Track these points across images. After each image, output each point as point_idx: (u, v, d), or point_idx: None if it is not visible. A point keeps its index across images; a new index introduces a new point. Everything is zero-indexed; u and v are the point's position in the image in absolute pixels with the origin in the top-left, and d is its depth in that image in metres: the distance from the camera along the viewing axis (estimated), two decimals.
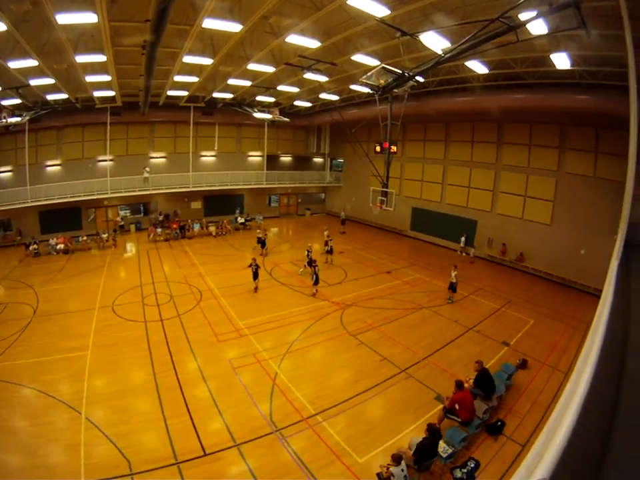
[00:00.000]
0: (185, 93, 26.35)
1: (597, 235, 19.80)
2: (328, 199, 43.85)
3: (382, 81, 15.19)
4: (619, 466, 2.61)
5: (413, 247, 30.75)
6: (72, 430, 9.46)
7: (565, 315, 18.01)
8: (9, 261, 23.45)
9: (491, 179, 26.65)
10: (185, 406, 10.61)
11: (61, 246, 25.56)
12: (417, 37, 12.99)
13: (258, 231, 28.70)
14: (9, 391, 10.95)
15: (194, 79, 21.50)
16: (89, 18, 11.37)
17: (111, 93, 23.57)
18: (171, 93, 25.47)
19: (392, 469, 7.72)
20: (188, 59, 17.07)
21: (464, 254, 27.63)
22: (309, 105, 32.45)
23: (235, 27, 13.34)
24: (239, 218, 34.56)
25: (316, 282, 19.20)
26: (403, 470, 7.77)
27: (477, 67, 18.05)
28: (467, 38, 10.98)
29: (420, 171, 31.98)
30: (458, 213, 29.10)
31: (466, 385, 10.47)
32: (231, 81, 22.31)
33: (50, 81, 18.41)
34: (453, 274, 18.72)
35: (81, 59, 15.63)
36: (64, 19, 11.36)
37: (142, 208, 33.33)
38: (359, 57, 17.39)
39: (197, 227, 31.56)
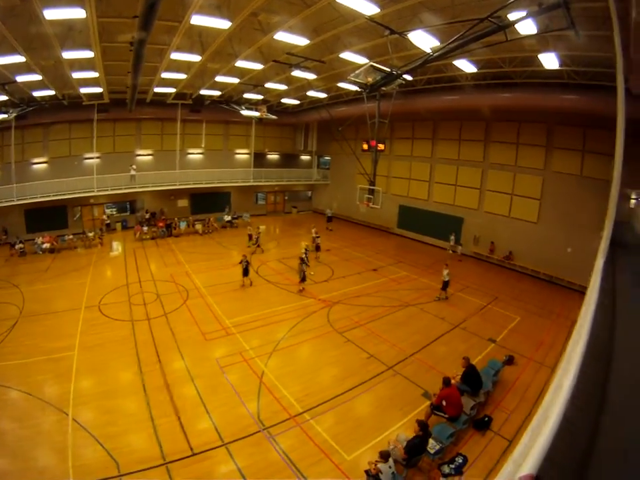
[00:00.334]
0: (172, 90, 26.10)
1: (583, 233, 19.98)
2: (315, 196, 43.91)
3: (370, 79, 15.21)
4: (606, 460, 2.63)
5: (400, 244, 30.89)
6: (59, 432, 9.34)
7: (552, 312, 18.23)
8: None
9: (478, 177, 26.84)
10: (173, 405, 10.54)
11: (47, 245, 25.21)
12: (406, 35, 13.00)
13: (249, 228, 28.69)
14: None
15: (182, 76, 21.31)
16: (77, 13, 11.19)
17: (98, 90, 23.24)
18: (158, 90, 25.21)
19: (379, 465, 7.74)
20: (176, 56, 16.89)
21: (452, 252, 27.72)
22: (296, 102, 32.36)
23: (223, 24, 13.25)
24: (226, 216, 34.42)
25: (303, 279, 19.24)
26: (390, 467, 7.80)
27: (466, 65, 18.08)
28: (456, 37, 11.03)
29: (407, 169, 32.11)
30: (445, 210, 29.25)
31: (453, 382, 10.53)
32: (219, 78, 22.16)
33: (37, 77, 18.08)
34: (445, 272, 18.75)
35: (68, 55, 15.37)
36: (52, 14, 11.18)
37: (128, 206, 32.94)
38: (347, 55, 17.31)
39: (183, 225, 31.38)
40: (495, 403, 11.23)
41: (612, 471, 2.55)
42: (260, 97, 28.88)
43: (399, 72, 14.39)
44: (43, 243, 25.15)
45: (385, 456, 7.86)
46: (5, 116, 21.99)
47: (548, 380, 12.07)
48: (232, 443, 9.28)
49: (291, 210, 41.74)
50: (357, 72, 14.78)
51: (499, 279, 23.09)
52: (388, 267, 24.29)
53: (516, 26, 10.48)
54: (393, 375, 12.49)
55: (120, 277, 20.56)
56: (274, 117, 28.74)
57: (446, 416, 9.90)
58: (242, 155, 37.80)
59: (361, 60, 17.41)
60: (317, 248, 24.29)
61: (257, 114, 27.41)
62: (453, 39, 11.20)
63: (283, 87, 25.60)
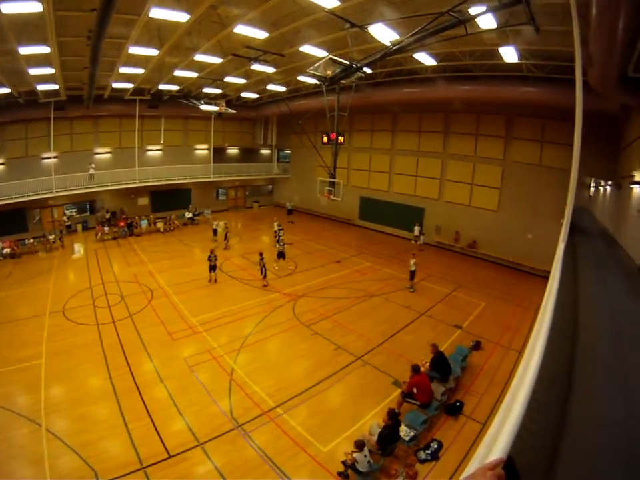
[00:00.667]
0: (130, 86, 25.33)
1: (543, 220, 20.82)
2: (276, 190, 43.83)
3: (329, 72, 15.16)
4: (578, 436, 2.73)
5: (362, 235, 31.22)
6: (34, 443, 9.02)
7: (515, 297, 18.87)
8: None
9: (438, 167, 27.37)
10: (145, 408, 10.36)
11: (7, 250, 24.07)
12: (366, 28, 13.00)
13: (215, 223, 28.49)
14: None
15: (140, 71, 20.70)
16: (33, 7, 10.70)
17: (55, 87, 22.31)
18: (116, 85, 24.38)
19: (355, 455, 7.85)
20: (134, 50, 16.35)
21: (414, 242, 28.00)
22: (256, 96, 32.00)
23: (182, 17, 12.94)
24: (187, 213, 33.93)
25: (264, 275, 19.33)
26: (365, 456, 7.92)
27: (425, 59, 18.24)
28: (416, 30, 11.13)
29: (367, 160, 32.44)
30: (406, 201, 29.72)
31: (422, 369, 10.77)
32: (178, 73, 21.66)
33: None
34: (412, 262, 19.09)
35: (24, 50, 14.62)
36: (8, 8, 10.70)
37: (88, 206, 31.85)
38: (307, 48, 17.25)
39: (144, 224, 30.65)
40: (464, 388, 11.55)
41: (583, 447, 2.64)
42: (219, 91, 28.43)
43: (359, 65, 14.41)
44: (3, 248, 24.04)
45: (359, 445, 7.97)
46: None
47: (516, 362, 12.49)
48: (207, 442, 9.21)
49: (253, 205, 41.51)
50: (316, 65, 14.66)
51: (462, 267, 23.65)
52: (351, 258, 24.54)
53: (476, 20, 10.69)
54: (363, 365, 12.67)
55: (83, 280, 19.93)
56: (233, 111, 28.36)
57: (417, 403, 10.11)
58: (202, 150, 37.20)
59: (320, 53, 17.39)
60: (281, 255, 21.96)
61: (216, 108, 26.99)
62: (412, 32, 11.32)
63: (242, 81, 25.30)
